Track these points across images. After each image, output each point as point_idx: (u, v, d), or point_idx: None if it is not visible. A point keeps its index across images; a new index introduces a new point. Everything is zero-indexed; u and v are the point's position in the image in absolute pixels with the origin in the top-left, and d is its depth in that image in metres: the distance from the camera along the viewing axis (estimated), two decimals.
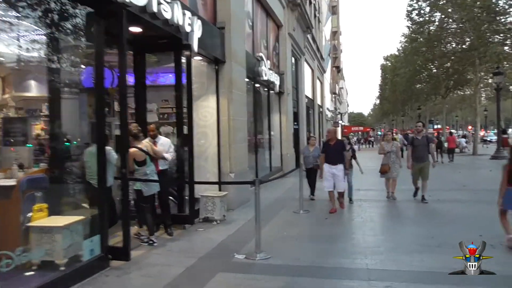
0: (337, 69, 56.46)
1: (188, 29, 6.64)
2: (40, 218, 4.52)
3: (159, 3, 5.64)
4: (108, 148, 5.24)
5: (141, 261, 5.24)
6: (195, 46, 6.85)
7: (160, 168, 6.56)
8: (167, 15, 5.91)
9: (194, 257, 5.34)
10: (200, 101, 8.61)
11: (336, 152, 8.07)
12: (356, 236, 6.49)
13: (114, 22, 5.03)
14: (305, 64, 22.21)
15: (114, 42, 5.24)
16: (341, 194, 8.41)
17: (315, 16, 28.21)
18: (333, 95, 50.28)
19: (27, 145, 5.54)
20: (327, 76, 40.14)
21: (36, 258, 4.30)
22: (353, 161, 9.38)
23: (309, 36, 22.93)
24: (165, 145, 6.64)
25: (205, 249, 5.72)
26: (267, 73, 12.33)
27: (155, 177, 6.09)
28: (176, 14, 6.16)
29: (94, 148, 5.06)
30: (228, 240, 6.22)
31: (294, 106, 18.07)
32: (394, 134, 17.78)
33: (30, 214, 4.50)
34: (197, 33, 6.90)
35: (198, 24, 6.93)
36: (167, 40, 6.79)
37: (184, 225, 6.94)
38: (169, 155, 6.64)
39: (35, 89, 6.38)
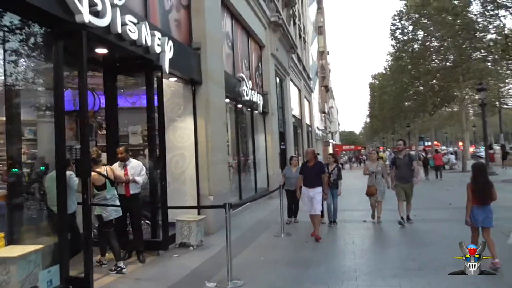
0: (326, 88, 56.89)
1: (158, 50, 6.47)
2: None
3: (123, 24, 5.46)
4: (69, 173, 5.02)
5: None
6: (166, 67, 6.69)
7: (132, 192, 6.34)
8: (134, 36, 5.73)
9: (163, 286, 5.10)
10: (177, 123, 8.43)
11: (314, 174, 7.70)
12: (335, 260, 6.25)
13: (76, 42, 4.87)
14: (291, 84, 22.24)
15: (77, 63, 5.07)
16: (318, 220, 7.68)
17: (300, 36, 28.51)
18: (323, 114, 50.48)
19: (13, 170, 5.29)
20: (316, 95, 40.37)
21: None
22: (339, 181, 9.13)
23: (294, 56, 23.06)
24: (136, 168, 6.42)
25: (177, 276, 5.47)
26: (249, 93, 12.21)
27: (116, 202, 5.86)
28: (143, 35, 5.98)
29: (54, 173, 4.83)
30: (202, 267, 5.95)
31: (280, 126, 17.96)
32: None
33: None
34: (169, 54, 6.74)
35: (169, 45, 6.78)
36: (138, 61, 6.61)
37: (158, 251, 6.66)
38: (141, 178, 6.41)
39: None
